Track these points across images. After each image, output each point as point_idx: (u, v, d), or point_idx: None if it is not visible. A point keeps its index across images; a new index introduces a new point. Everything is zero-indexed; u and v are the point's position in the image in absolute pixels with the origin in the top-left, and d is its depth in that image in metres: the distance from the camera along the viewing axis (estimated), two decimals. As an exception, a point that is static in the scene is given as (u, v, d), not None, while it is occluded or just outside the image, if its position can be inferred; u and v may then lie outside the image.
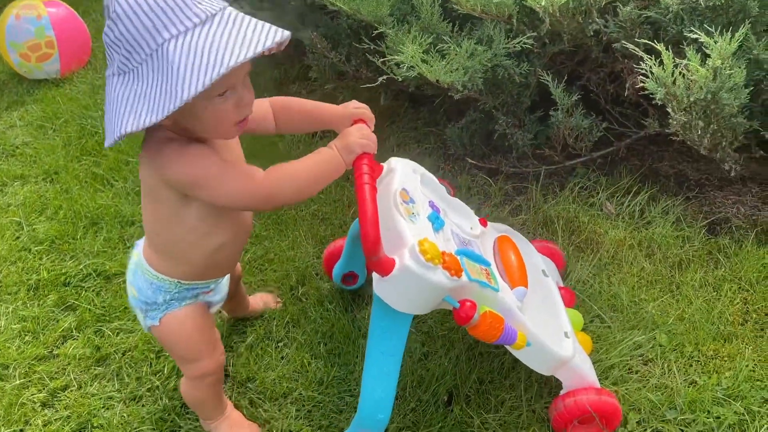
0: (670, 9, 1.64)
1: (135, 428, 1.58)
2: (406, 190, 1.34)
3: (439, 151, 2.33)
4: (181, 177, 1.13)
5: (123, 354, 1.77)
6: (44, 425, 1.61)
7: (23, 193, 2.44)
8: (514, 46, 1.72)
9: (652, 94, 1.59)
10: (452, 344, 1.62)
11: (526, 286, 1.39)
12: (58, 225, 2.23)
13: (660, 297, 1.69)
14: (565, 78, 2.00)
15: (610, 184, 2.04)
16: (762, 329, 1.60)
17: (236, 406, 1.58)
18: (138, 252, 1.34)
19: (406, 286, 1.19)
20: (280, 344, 1.73)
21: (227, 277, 1.48)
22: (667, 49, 1.58)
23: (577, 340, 1.46)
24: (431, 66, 1.68)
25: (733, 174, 1.74)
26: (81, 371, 1.74)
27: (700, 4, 1.61)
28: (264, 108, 1.36)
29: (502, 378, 1.54)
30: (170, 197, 1.18)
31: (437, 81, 1.72)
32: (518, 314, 1.30)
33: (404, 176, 1.38)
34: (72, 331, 1.85)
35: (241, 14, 1.06)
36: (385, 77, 1.76)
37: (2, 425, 1.62)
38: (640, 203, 1.96)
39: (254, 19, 1.06)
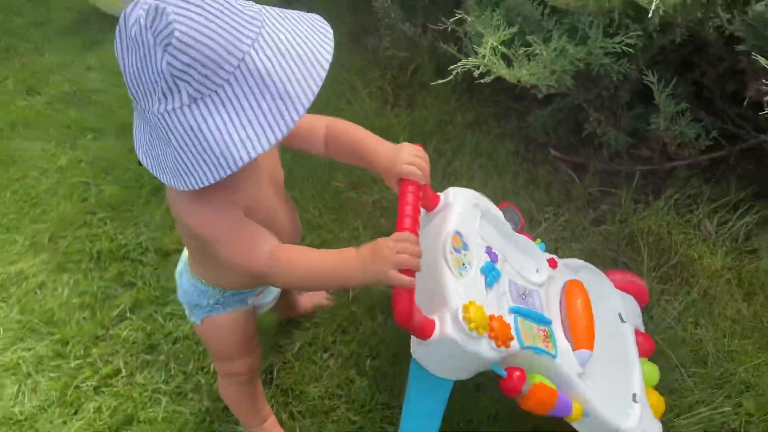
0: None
1: (177, 425, 1.58)
2: (460, 234, 1.18)
3: (520, 133, 2.09)
4: (190, 226, 1.06)
5: (173, 344, 1.76)
6: (94, 411, 1.65)
7: (94, 148, 2.43)
8: (614, 47, 1.45)
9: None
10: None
11: (591, 349, 1.21)
12: (122, 190, 2.22)
13: (754, 353, 1.47)
14: (674, 69, 1.71)
15: (715, 197, 1.77)
16: None
17: (277, 416, 1.54)
18: (186, 254, 1.30)
19: (446, 354, 1.07)
20: (326, 354, 1.66)
21: None
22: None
23: (647, 402, 1.29)
24: (511, 67, 1.44)
25: None
26: (132, 356, 1.75)
27: None
28: (318, 127, 1.22)
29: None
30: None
31: (518, 81, 1.49)
32: (577, 383, 1.16)
33: (461, 215, 1.21)
34: (127, 312, 1.85)
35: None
36: (457, 68, 1.53)
37: (57, 406, 1.67)
38: (747, 225, 1.69)
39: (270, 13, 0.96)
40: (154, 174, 1.00)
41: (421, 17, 1.93)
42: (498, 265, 1.19)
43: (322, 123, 1.22)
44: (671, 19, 1.45)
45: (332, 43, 0.96)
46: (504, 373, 1.10)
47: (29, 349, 1.80)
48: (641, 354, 1.40)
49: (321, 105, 1.03)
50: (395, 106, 2.33)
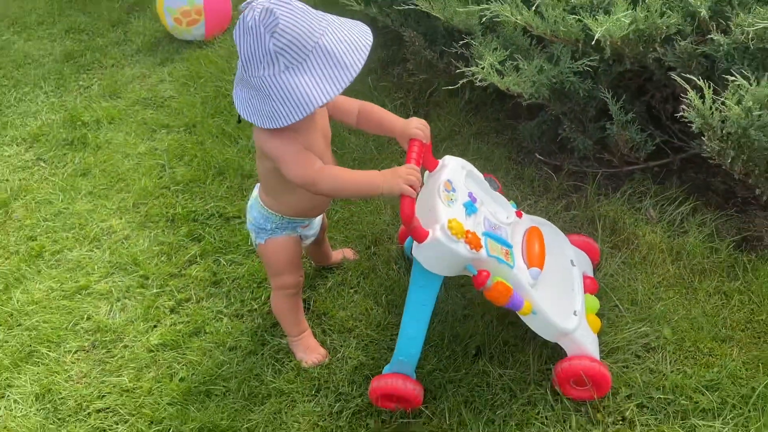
0: (721, 47, 1.84)
1: (235, 338, 2.07)
2: (450, 182, 1.70)
3: (513, 143, 2.63)
4: (267, 151, 1.60)
5: (233, 281, 2.26)
6: (171, 325, 2.14)
7: (168, 140, 2.99)
8: (578, 67, 1.99)
9: (690, 122, 1.83)
10: (488, 311, 1.97)
11: (541, 268, 1.71)
12: (193, 171, 2.76)
13: (675, 297, 1.95)
14: (631, 92, 2.24)
15: (660, 193, 2.27)
16: (759, 337, 1.83)
17: (312, 331, 2.02)
18: (255, 192, 1.84)
19: (436, 253, 1.56)
20: (352, 290, 2.16)
21: (319, 219, 1.94)
22: (717, 81, 1.80)
23: (585, 319, 1.77)
24: (503, 77, 1.99)
25: (766, 199, 1.94)
26: (200, 289, 2.25)
27: (750, 46, 1.81)
28: (353, 106, 1.77)
29: (523, 343, 1.88)
30: (269, 160, 1.62)
31: (507, 89, 2.02)
32: (528, 288, 1.65)
33: (452, 171, 1.74)
34: (196, 258, 2.36)
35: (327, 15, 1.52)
36: (464, 80, 2.07)
37: (141, 321, 2.17)
38: (683, 213, 2.18)
39: (333, 19, 1.51)
40: (251, 120, 1.54)
41: (440, 45, 2.49)
42: (476, 205, 1.70)
43: (356, 103, 1.79)
44: (621, 51, 1.99)
45: (371, 37, 1.52)
46: (475, 272, 1.60)
47: (118, 281, 2.32)
48: (588, 291, 1.89)
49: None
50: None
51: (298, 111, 1.45)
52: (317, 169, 1.58)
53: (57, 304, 2.25)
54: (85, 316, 2.20)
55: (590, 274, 1.98)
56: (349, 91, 1.54)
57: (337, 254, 2.27)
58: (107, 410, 1.91)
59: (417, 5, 2.22)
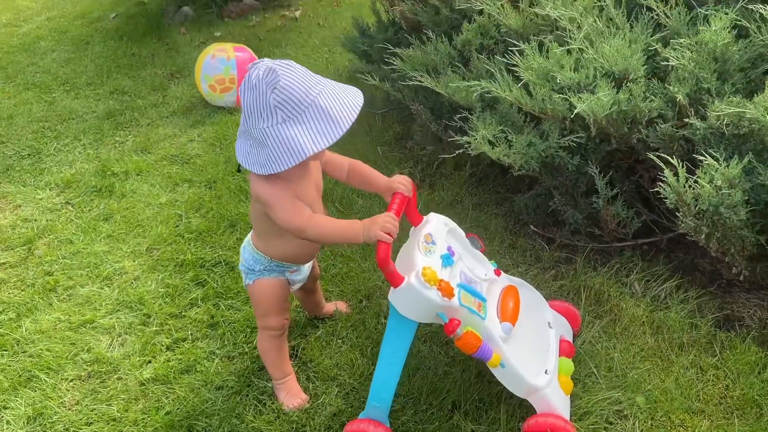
0: (698, 131, 1.96)
1: (224, 378, 2.14)
2: (431, 235, 1.81)
3: (510, 215, 2.74)
4: (261, 197, 1.72)
5: (228, 324, 2.36)
6: (165, 361, 2.23)
7: (188, 193, 3.18)
8: (566, 143, 2.12)
9: (665, 198, 1.92)
10: (467, 368, 2.03)
11: (513, 324, 1.78)
12: (207, 222, 2.92)
13: (651, 368, 1.98)
14: (622, 172, 2.36)
15: (647, 269, 2.34)
16: (731, 413, 1.84)
17: (297, 378, 2.09)
18: (249, 236, 1.96)
19: (409, 298, 1.66)
20: (340, 341, 2.23)
21: (308, 266, 2.04)
22: (696, 163, 1.91)
23: (557, 380, 1.82)
24: (494, 148, 2.13)
25: (741, 278, 2.00)
26: (197, 330, 2.35)
27: (725, 132, 1.92)
28: (344, 162, 1.93)
29: (498, 401, 1.92)
30: (261, 205, 1.75)
31: (498, 159, 2.16)
32: (497, 340, 1.71)
33: (434, 226, 1.85)
34: (198, 301, 2.48)
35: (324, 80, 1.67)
36: (461, 150, 2.22)
37: (138, 355, 2.27)
38: (667, 289, 2.24)
39: (329, 82, 1.66)
40: (248, 168, 1.69)
41: (444, 119, 2.66)
42: (454, 258, 1.80)
43: (347, 161, 1.94)
44: (606, 130, 2.12)
45: (362, 99, 1.67)
46: (446, 320, 1.68)
47: (122, 318, 2.44)
48: (564, 354, 1.94)
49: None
50: (420, 188, 3.02)
51: (291, 158, 1.60)
52: (306, 217, 1.71)
53: (62, 334, 2.37)
54: (86, 348, 2.31)
55: (568, 338, 2.03)
56: (363, 158, 1.67)
57: (330, 306, 2.36)
58: (92, 436, 1.99)
59: (422, 82, 2.41)
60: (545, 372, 1.80)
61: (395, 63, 2.64)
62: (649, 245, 2.45)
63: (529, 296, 1.98)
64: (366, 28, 3.50)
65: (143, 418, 2.02)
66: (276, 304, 1.97)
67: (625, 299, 2.24)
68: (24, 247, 2.89)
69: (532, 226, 2.58)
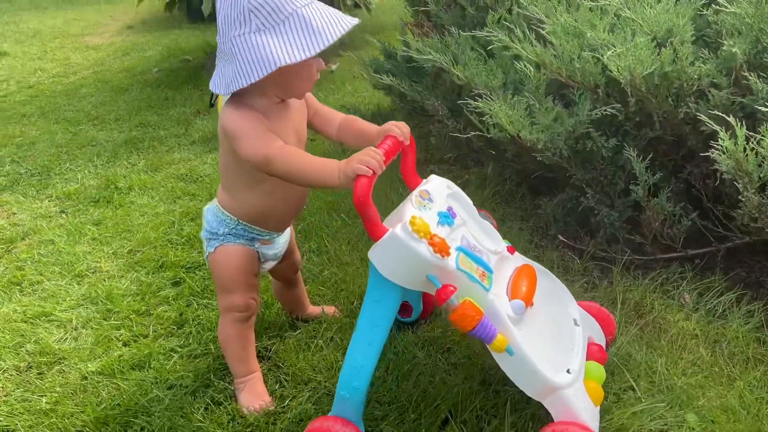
0: (760, 96, 1.62)
1: (179, 376, 1.80)
2: (428, 192, 1.48)
3: (537, 229, 2.38)
4: (228, 128, 1.44)
5: (198, 324, 2.03)
6: (118, 357, 1.90)
7: (188, 206, 2.94)
8: (598, 115, 1.80)
9: (724, 171, 1.56)
10: (470, 375, 1.63)
11: (527, 304, 1.40)
12: (199, 229, 2.63)
13: (706, 383, 1.54)
14: (668, 170, 2.00)
15: (698, 281, 1.92)
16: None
17: (266, 384, 1.72)
18: (216, 197, 1.66)
19: (393, 253, 1.31)
20: (323, 343, 1.86)
21: (284, 239, 1.73)
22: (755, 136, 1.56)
23: (582, 384, 1.40)
24: (515, 124, 1.82)
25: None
26: (162, 327, 2.03)
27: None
28: (336, 117, 1.65)
29: (503, 413, 1.50)
30: (228, 145, 1.46)
31: (518, 135, 1.84)
32: (504, 318, 1.33)
33: (433, 185, 1.53)
34: (170, 299, 2.17)
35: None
36: (474, 132, 1.92)
37: (88, 350, 1.95)
38: (725, 302, 1.81)
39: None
40: (216, 90, 1.43)
41: (464, 119, 2.38)
42: (455, 221, 1.45)
43: (340, 115, 1.66)
44: (647, 104, 1.80)
45: (355, 21, 1.42)
46: (439, 285, 1.31)
47: (83, 312, 2.14)
48: (595, 359, 1.52)
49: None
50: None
51: (259, 69, 1.34)
52: (275, 147, 1.42)
53: (13, 326, 2.08)
54: (34, 340, 2.00)
55: (599, 342, 1.61)
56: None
57: (316, 308, 2.01)
58: (7, 429, 1.65)
59: (435, 62, 2.15)
60: (567, 371, 1.39)
61: (413, 53, 2.38)
62: (701, 258, 2.03)
63: (552, 286, 1.60)
64: (393, 53, 3.31)
65: (75, 412, 1.68)
66: (242, 278, 1.63)
67: (672, 311, 1.82)
68: (3, 246, 2.66)
69: (560, 236, 2.21)
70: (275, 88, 1.46)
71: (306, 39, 1.35)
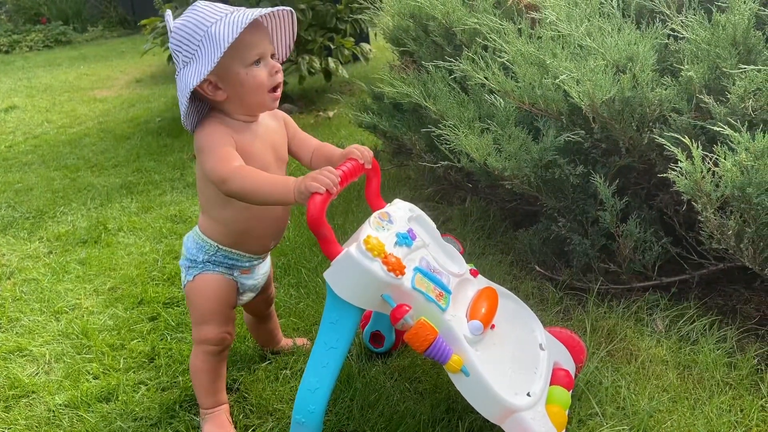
0: (717, 118, 1.63)
1: (146, 408, 1.78)
2: (389, 214, 1.48)
3: (516, 262, 2.36)
4: (196, 144, 1.48)
5: (169, 356, 2.02)
6: (86, 390, 1.88)
7: (175, 245, 2.95)
8: (560, 142, 1.81)
9: (683, 192, 1.56)
10: (437, 405, 1.60)
11: (485, 326, 1.38)
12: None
13: (675, 408, 1.50)
14: (640, 198, 2.01)
15: (672, 307, 1.89)
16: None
17: (232, 414, 1.70)
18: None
19: (347, 271, 1.31)
20: (290, 373, 1.84)
21: (264, 270, 1.73)
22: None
23: (544, 408, 1.37)
24: (480, 151, 1.84)
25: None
26: (133, 361, 2.02)
27: (750, 114, 1.59)
28: (311, 143, 1.68)
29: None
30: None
31: (485, 163, 1.86)
32: (459, 339, 1.32)
33: (394, 209, 1.53)
34: (144, 334, 2.16)
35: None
36: (445, 162, 1.94)
37: (58, 383, 1.94)
38: (698, 328, 1.78)
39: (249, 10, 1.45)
40: (185, 127, 1.48)
41: (440, 153, 2.40)
42: (414, 242, 1.45)
43: (315, 142, 1.68)
44: (611, 130, 1.81)
45: (272, 11, 1.45)
46: (394, 304, 1.31)
47: (57, 347, 2.13)
48: (560, 383, 1.49)
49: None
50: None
51: (182, 98, 1.44)
52: (233, 167, 1.43)
53: (-14, 360, 2.07)
54: (5, 375, 2.00)
55: (566, 368, 1.58)
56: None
57: (287, 341, 2.00)
58: (-34, 460, 1.63)
59: (410, 96, 2.20)
60: (527, 394, 1.36)
61: (386, 88, 2.42)
62: (677, 286, 2.01)
63: (517, 309, 1.59)
64: (380, 94, 3.38)
65: (35, 445, 1.65)
66: (218, 308, 1.62)
67: (644, 338, 1.79)
68: (-13, 286, 2.68)
69: (537, 267, 2.20)
70: (234, 106, 1.50)
71: (210, 54, 1.39)
